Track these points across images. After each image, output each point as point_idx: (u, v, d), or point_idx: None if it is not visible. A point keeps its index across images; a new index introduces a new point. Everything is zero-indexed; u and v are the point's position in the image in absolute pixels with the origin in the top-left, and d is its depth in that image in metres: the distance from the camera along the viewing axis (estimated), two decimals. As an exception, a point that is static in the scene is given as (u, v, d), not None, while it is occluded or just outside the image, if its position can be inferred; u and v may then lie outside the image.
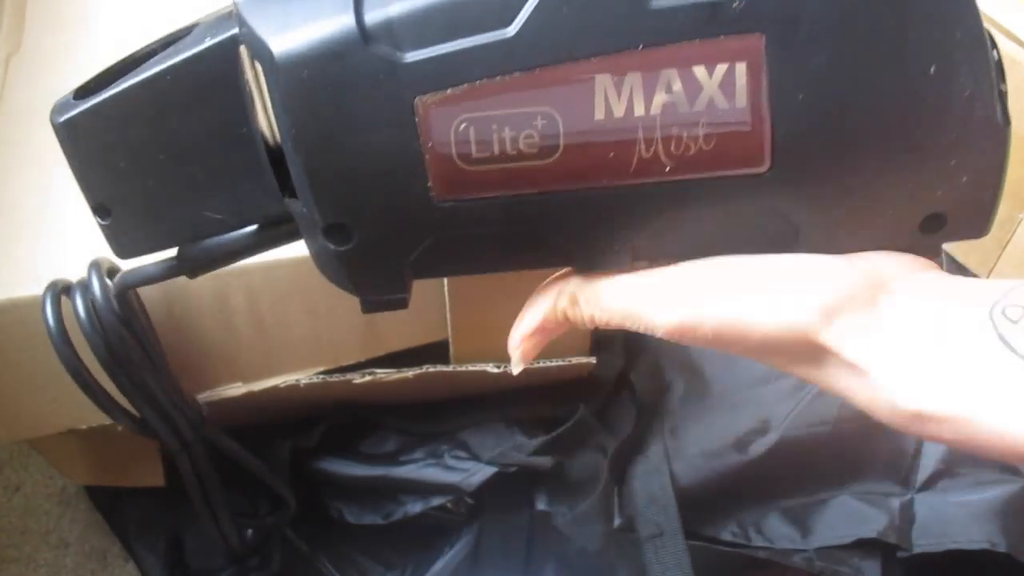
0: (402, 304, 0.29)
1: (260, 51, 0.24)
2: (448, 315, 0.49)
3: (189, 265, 0.32)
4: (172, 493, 0.56)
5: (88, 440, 0.52)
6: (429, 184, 0.25)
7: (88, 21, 0.55)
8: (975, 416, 0.21)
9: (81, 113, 0.27)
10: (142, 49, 0.29)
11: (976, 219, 0.26)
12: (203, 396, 0.49)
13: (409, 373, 0.50)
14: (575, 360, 0.53)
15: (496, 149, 0.25)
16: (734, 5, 0.23)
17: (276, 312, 0.47)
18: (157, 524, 0.59)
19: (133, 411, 0.40)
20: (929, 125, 0.24)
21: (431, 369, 0.50)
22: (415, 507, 0.55)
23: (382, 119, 0.24)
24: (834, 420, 0.54)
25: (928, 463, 0.55)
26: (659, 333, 0.26)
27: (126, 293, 0.37)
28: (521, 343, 0.29)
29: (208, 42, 0.26)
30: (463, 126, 0.24)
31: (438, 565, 0.58)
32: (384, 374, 0.50)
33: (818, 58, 0.23)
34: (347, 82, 0.24)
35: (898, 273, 0.25)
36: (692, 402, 0.58)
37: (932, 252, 0.27)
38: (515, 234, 0.27)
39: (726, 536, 0.55)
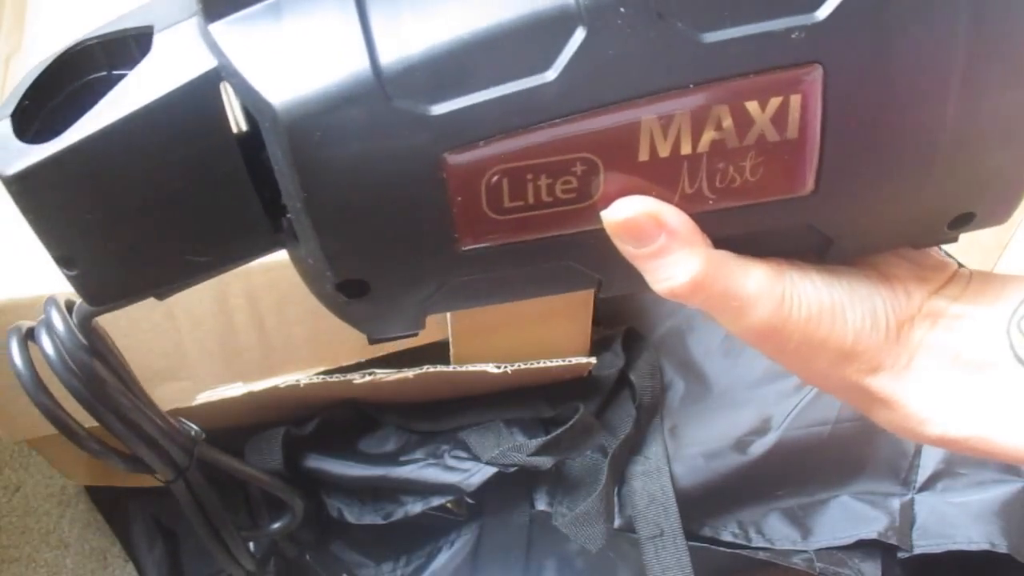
0: (413, 335, 0.27)
1: (257, 105, 0.21)
2: (448, 315, 0.49)
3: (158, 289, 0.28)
4: (172, 493, 0.56)
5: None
6: (455, 235, 0.23)
7: (88, 21, 0.55)
8: (994, 436, 0.24)
9: (38, 164, 0.23)
10: (81, 49, 0.26)
11: (1002, 211, 0.25)
12: (203, 396, 0.49)
13: (409, 373, 0.50)
14: (575, 360, 0.53)
15: (531, 198, 0.22)
16: (793, 35, 0.21)
17: (276, 312, 0.47)
18: (157, 524, 0.59)
19: (123, 450, 0.39)
20: (981, 138, 0.23)
21: (431, 369, 0.50)
22: (415, 507, 0.55)
23: (406, 178, 0.22)
24: (834, 420, 0.54)
25: (928, 463, 0.55)
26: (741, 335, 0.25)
27: (90, 323, 0.34)
28: (638, 212, 0.23)
29: (183, 78, 0.22)
30: (495, 178, 0.22)
31: (437, 564, 0.58)
32: (384, 374, 0.50)
33: (876, 84, 0.22)
34: (367, 142, 0.21)
35: (917, 296, 0.26)
36: (692, 402, 0.58)
37: (952, 239, 0.26)
38: (542, 269, 0.25)
39: (726, 536, 0.55)
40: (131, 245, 0.25)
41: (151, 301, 0.28)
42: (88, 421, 0.36)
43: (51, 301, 0.34)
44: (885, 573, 0.54)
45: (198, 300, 0.45)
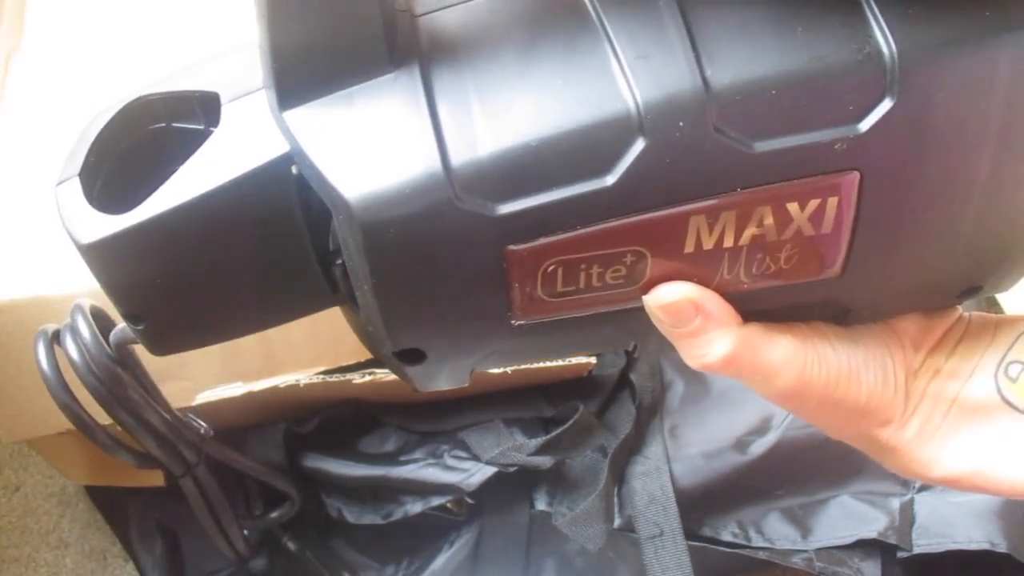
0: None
1: (333, 199, 0.22)
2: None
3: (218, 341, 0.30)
4: (172, 493, 0.56)
5: (88, 440, 0.52)
6: (509, 313, 0.24)
7: (88, 20, 0.55)
8: (991, 473, 0.26)
9: (112, 236, 0.24)
10: (143, 103, 0.27)
11: (1008, 283, 0.27)
12: (203, 396, 0.49)
13: (409, 373, 0.50)
14: (575, 360, 0.53)
15: (582, 283, 0.24)
16: (837, 146, 0.22)
17: (276, 312, 0.47)
18: (157, 524, 0.59)
19: (135, 446, 0.40)
20: (998, 228, 0.25)
21: (431, 369, 0.50)
22: (415, 507, 0.55)
23: (469, 267, 0.23)
24: (834, 420, 0.54)
25: (928, 463, 0.55)
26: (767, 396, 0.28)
27: (126, 347, 0.36)
28: (678, 298, 0.25)
29: (256, 161, 0.24)
30: (551, 268, 0.24)
31: (437, 564, 0.58)
32: (384, 374, 0.50)
33: (906, 185, 0.23)
34: (436, 237, 0.23)
35: (923, 349, 0.28)
36: (692, 402, 0.58)
37: (959, 303, 0.28)
38: (583, 336, 0.27)
39: (726, 536, 0.55)
40: (197, 307, 0.27)
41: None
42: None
43: (78, 308, 0.35)
44: (885, 572, 0.54)
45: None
